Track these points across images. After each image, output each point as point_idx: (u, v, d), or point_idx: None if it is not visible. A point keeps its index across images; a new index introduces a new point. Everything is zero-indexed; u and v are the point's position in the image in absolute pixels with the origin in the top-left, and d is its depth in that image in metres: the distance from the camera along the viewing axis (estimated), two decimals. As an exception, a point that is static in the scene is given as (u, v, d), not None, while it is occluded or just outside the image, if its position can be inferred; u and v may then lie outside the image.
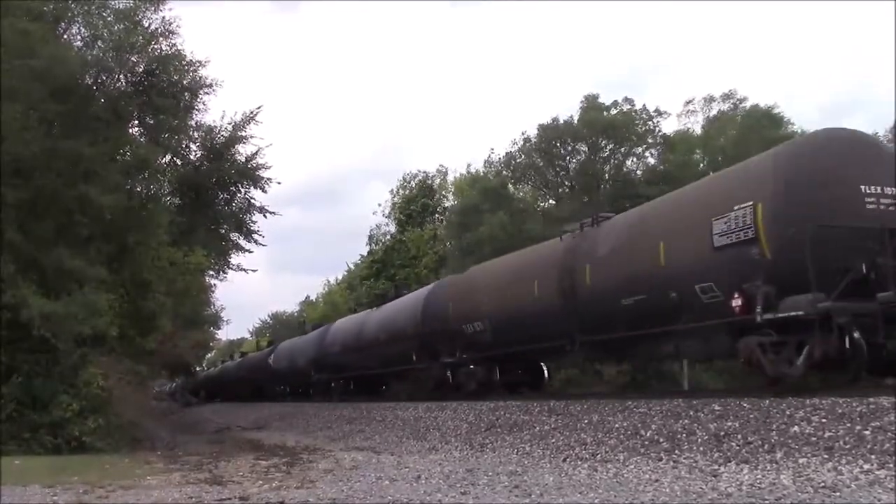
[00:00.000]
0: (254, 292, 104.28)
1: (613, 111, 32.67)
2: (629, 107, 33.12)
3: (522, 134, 34.06)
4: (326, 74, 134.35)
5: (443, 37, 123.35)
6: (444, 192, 47.01)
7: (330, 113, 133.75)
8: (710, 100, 33.16)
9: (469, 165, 44.38)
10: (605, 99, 33.41)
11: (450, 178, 47.41)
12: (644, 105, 33.53)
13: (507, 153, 35.00)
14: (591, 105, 32.88)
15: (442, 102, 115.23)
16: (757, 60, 75.85)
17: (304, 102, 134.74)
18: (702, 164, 29.94)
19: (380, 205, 58.02)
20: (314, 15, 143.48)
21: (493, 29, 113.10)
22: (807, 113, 71.87)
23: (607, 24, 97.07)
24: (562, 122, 32.78)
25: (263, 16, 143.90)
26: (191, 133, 18.70)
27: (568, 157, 33.25)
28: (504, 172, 34.77)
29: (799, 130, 28.93)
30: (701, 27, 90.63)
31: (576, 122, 32.39)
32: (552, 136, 32.65)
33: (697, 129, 33.60)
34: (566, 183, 33.77)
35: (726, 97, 32.81)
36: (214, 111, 27.67)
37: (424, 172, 48.52)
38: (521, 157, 34.15)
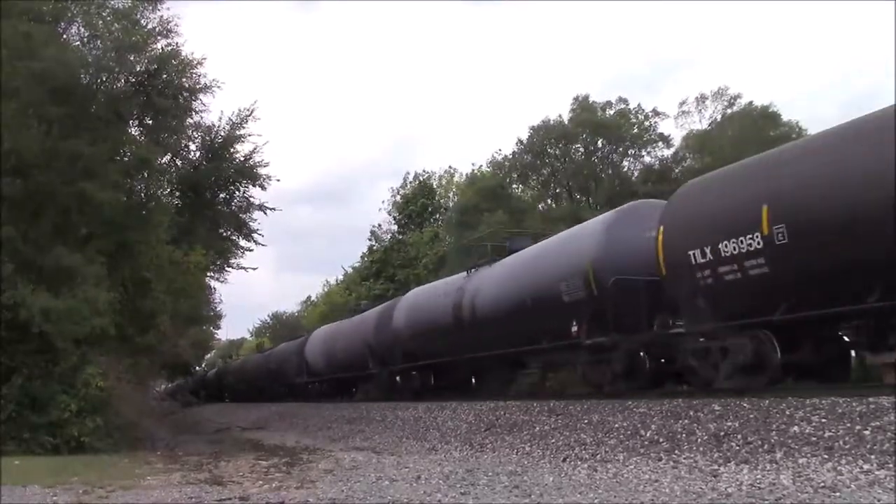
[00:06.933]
0: (257, 293, 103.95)
1: (608, 111, 32.70)
2: (623, 106, 33.12)
3: (530, 134, 34.22)
4: (339, 73, 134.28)
5: (458, 35, 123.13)
6: (446, 192, 46.99)
7: (341, 111, 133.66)
8: (702, 99, 32.81)
9: (459, 172, 44.76)
10: (610, 98, 33.71)
11: (456, 178, 47.52)
12: (640, 104, 33.65)
13: (505, 156, 35.30)
14: (584, 106, 32.91)
15: (455, 101, 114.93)
16: (772, 60, 75.33)
17: (315, 101, 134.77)
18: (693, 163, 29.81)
19: (384, 202, 58.21)
20: (329, 16, 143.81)
21: (507, 28, 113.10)
22: (827, 111, 70.86)
23: (624, 21, 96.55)
24: (552, 122, 32.96)
25: (281, 15, 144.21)
26: (190, 133, 18.71)
27: (565, 158, 33.26)
28: (501, 173, 34.89)
29: (804, 128, 28.78)
30: (714, 26, 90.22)
31: (566, 122, 32.48)
32: (543, 138, 32.72)
33: (694, 129, 33.38)
34: (563, 182, 33.80)
35: (717, 95, 32.50)
36: (220, 110, 27.55)
37: (426, 172, 48.51)
38: (519, 157, 34.25)
